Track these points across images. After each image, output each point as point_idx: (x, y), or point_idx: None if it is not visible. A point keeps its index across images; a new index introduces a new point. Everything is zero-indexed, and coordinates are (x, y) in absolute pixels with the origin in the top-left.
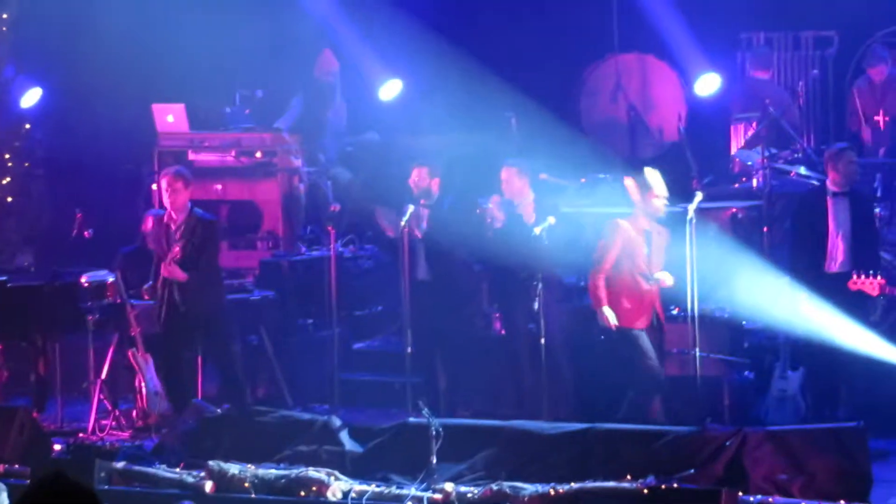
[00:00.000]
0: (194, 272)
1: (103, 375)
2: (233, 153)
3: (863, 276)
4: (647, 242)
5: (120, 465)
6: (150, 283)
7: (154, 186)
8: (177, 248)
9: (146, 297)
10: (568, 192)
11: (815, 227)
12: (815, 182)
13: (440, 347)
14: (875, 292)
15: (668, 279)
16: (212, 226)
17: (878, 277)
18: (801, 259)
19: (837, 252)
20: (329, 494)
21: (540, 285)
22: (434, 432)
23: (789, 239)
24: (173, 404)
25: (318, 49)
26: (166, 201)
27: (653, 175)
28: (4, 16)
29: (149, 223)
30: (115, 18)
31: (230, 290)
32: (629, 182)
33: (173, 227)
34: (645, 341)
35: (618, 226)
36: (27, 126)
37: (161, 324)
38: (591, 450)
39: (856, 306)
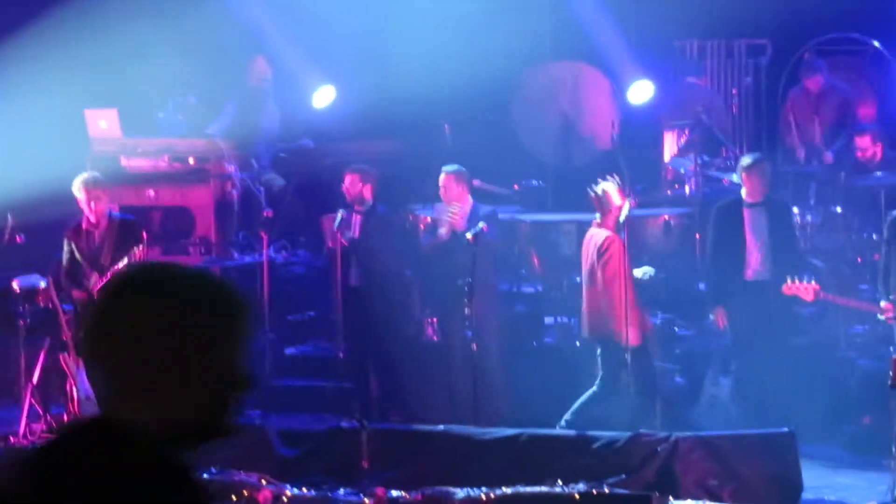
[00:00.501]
0: None
1: (35, 380)
2: (166, 159)
3: (797, 283)
4: None
5: None
6: (75, 289)
7: None
8: (139, 252)
9: (78, 297)
10: (501, 198)
11: (732, 236)
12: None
13: (372, 353)
14: (810, 298)
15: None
16: (137, 225)
17: (813, 283)
18: (720, 267)
19: (755, 261)
20: (260, 499)
21: (473, 291)
22: (366, 437)
23: (708, 248)
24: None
25: (251, 55)
26: (87, 209)
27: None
28: None
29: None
30: (48, 22)
31: None
32: (611, 187)
33: (96, 234)
34: None
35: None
36: None
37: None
38: (522, 455)
39: (780, 313)
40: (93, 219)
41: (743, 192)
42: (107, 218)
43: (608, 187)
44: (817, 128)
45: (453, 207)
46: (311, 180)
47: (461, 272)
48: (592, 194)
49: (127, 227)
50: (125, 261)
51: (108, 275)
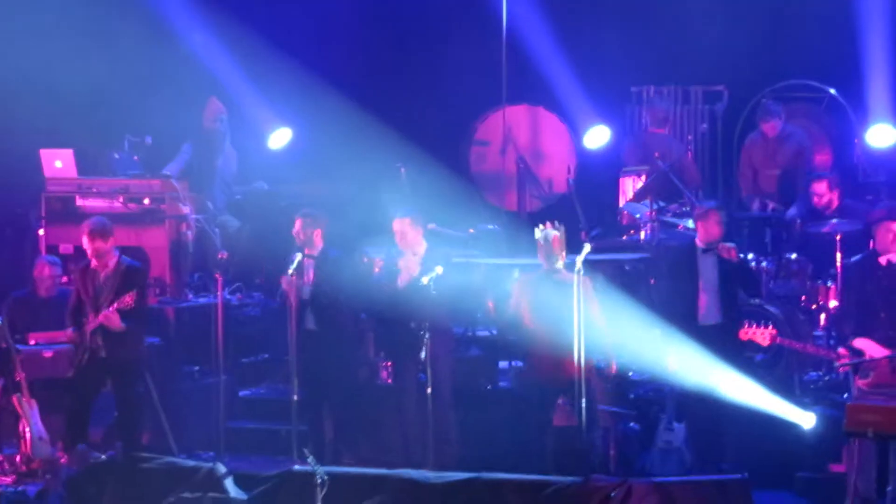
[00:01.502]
0: (126, 319)
1: None
2: (121, 199)
3: (753, 326)
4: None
5: None
6: (73, 328)
7: (41, 231)
8: (129, 299)
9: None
10: (456, 242)
11: (685, 280)
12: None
13: (326, 396)
14: (766, 342)
15: None
16: (142, 273)
17: (770, 328)
18: (674, 311)
19: (706, 305)
20: None
21: (427, 335)
22: (319, 480)
23: (662, 292)
24: (67, 449)
25: (207, 96)
26: (90, 252)
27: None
28: None
29: (42, 269)
30: (3, 62)
31: None
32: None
33: (102, 274)
34: None
35: None
36: None
37: (79, 368)
38: (476, 499)
39: (732, 357)
40: (93, 262)
41: (697, 237)
42: (115, 260)
43: (556, 237)
44: (773, 171)
45: (409, 255)
46: (266, 222)
47: (416, 316)
48: (541, 241)
49: (130, 272)
50: (114, 307)
51: (101, 316)
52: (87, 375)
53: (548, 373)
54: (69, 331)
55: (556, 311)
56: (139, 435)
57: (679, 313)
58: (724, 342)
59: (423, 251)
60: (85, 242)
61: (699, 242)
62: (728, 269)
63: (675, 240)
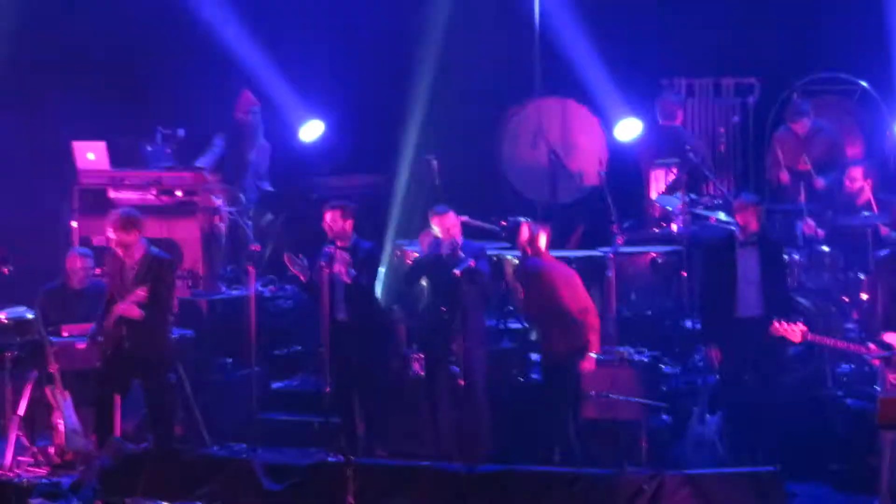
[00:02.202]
0: (149, 310)
1: (21, 412)
2: (153, 192)
3: (784, 324)
4: None
5: (36, 501)
6: (100, 319)
7: (73, 224)
8: (142, 291)
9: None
10: (488, 234)
11: (723, 273)
12: (733, 228)
13: (359, 388)
14: (797, 339)
15: None
16: (167, 265)
17: (800, 324)
18: (712, 305)
19: (746, 298)
20: None
21: (460, 327)
22: (351, 472)
23: (700, 285)
24: (100, 441)
25: (239, 88)
26: (118, 243)
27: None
28: None
29: (74, 261)
30: (38, 55)
31: None
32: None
33: (129, 263)
34: None
35: None
36: None
37: (105, 360)
38: (508, 492)
39: (767, 351)
40: (119, 252)
41: (736, 230)
42: (142, 252)
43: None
44: (803, 165)
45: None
46: (299, 214)
47: (448, 308)
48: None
49: (155, 264)
50: (129, 299)
51: (118, 308)
52: (113, 367)
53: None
54: (94, 326)
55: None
56: (170, 427)
57: (717, 306)
58: (763, 335)
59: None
60: (109, 234)
61: (739, 234)
62: (769, 262)
63: (708, 232)
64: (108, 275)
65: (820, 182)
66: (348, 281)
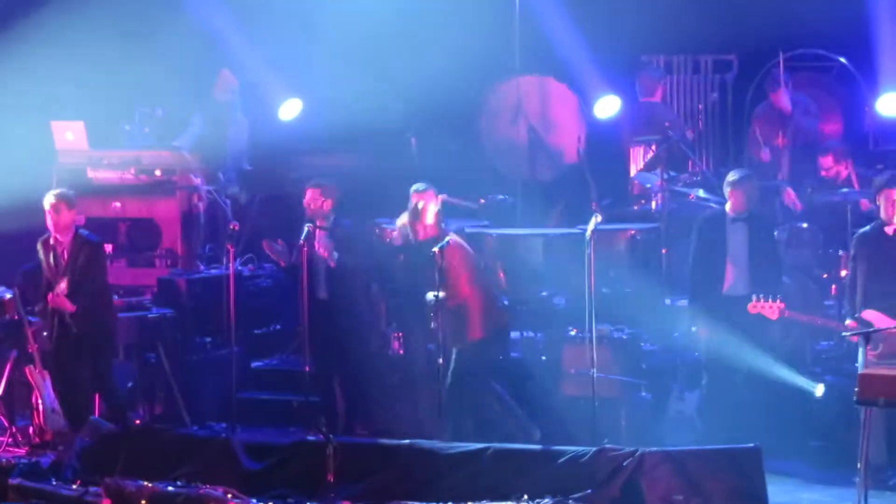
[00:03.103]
0: (81, 298)
1: (0, 392)
2: (132, 171)
3: (762, 300)
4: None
5: (15, 481)
6: (41, 304)
7: None
8: (63, 284)
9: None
10: (468, 212)
11: (714, 250)
12: (713, 205)
13: (339, 367)
14: (774, 316)
15: None
16: (96, 247)
17: (778, 301)
18: (700, 281)
19: (735, 275)
20: None
21: (439, 306)
22: (331, 451)
23: (689, 261)
24: (69, 421)
25: (218, 68)
26: (50, 223)
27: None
28: None
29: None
30: (13, 34)
31: (128, 307)
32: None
33: (59, 249)
34: None
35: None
36: None
37: (52, 342)
38: (488, 470)
39: (753, 328)
40: (53, 232)
41: (727, 206)
42: (72, 234)
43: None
44: (782, 141)
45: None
46: (277, 193)
47: (427, 287)
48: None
49: (84, 247)
50: (55, 291)
51: (49, 300)
52: (60, 349)
53: None
54: (37, 308)
55: None
56: (122, 410)
57: (703, 283)
58: (748, 313)
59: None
60: (47, 211)
61: (730, 211)
62: (758, 241)
63: (687, 209)
64: (42, 256)
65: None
66: (332, 265)
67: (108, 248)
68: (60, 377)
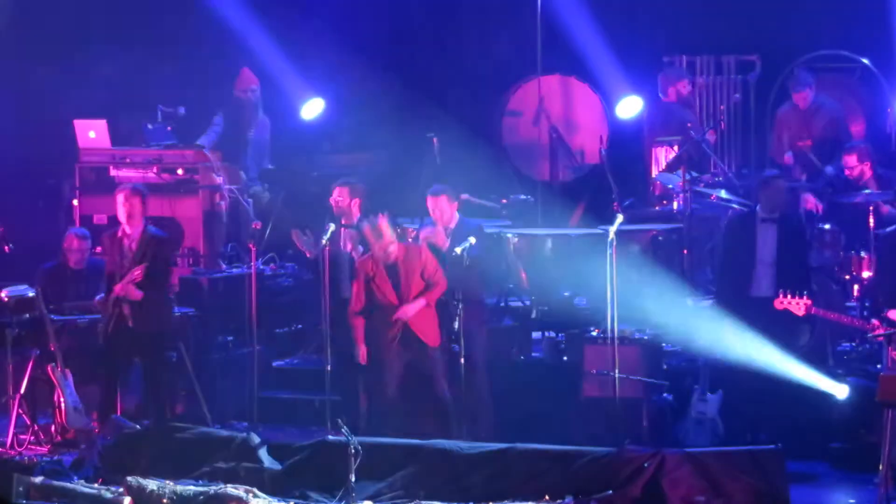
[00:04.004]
0: (148, 289)
1: (22, 390)
2: (154, 170)
3: (789, 297)
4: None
5: (38, 479)
6: (102, 295)
7: (75, 202)
8: (138, 271)
9: (97, 308)
10: (489, 212)
11: (742, 251)
12: (734, 206)
13: (360, 366)
14: (801, 312)
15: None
16: (166, 242)
17: (805, 298)
18: (727, 282)
19: (763, 277)
20: None
21: (461, 305)
22: (353, 451)
23: (717, 262)
24: (102, 419)
25: (240, 67)
26: (122, 216)
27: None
28: None
29: (71, 241)
30: (38, 33)
31: None
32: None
33: (127, 242)
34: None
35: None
36: None
37: (105, 338)
38: (509, 470)
39: (781, 330)
40: (127, 229)
41: (758, 208)
42: (141, 227)
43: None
44: (805, 142)
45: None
46: (299, 192)
47: (449, 286)
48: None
49: (154, 242)
50: (125, 279)
51: (117, 288)
52: (114, 345)
53: None
54: (97, 299)
55: None
56: (166, 406)
57: (731, 284)
58: (774, 315)
59: (454, 224)
60: (120, 202)
61: (760, 212)
62: (787, 242)
63: (709, 210)
64: (107, 254)
65: (829, 170)
66: (356, 257)
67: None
68: (109, 373)
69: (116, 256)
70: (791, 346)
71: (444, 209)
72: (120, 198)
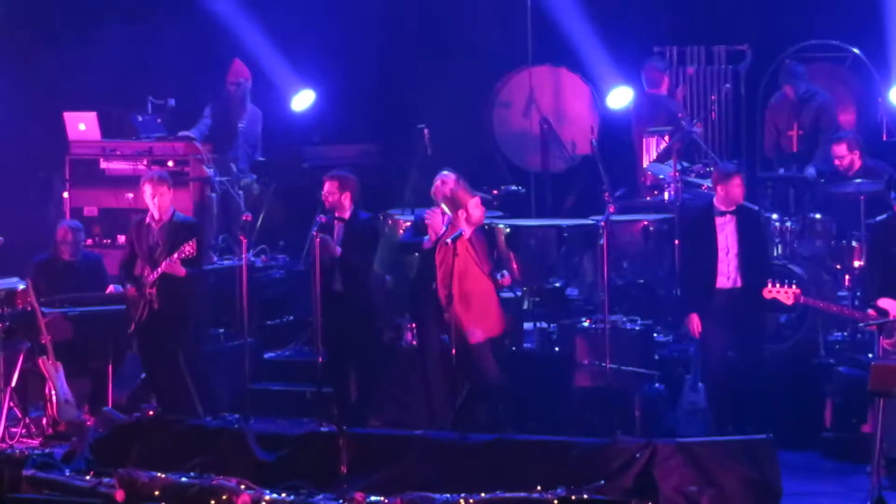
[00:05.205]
0: (174, 278)
1: (13, 383)
2: (144, 162)
3: (777, 286)
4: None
5: (29, 472)
6: (131, 284)
7: (65, 195)
8: (189, 247)
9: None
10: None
11: (703, 243)
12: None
13: (352, 358)
14: (790, 301)
15: None
16: (197, 227)
17: (794, 287)
18: (692, 274)
19: (727, 269)
20: (239, 503)
21: (452, 296)
22: (345, 442)
23: (680, 255)
24: (161, 401)
25: (230, 58)
26: (152, 205)
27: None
28: None
29: (65, 234)
30: (27, 25)
31: None
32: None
33: (156, 228)
34: None
35: None
36: None
37: (139, 323)
38: (501, 460)
39: (750, 321)
40: (156, 214)
41: (716, 199)
42: (169, 215)
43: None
44: (795, 132)
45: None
46: (290, 184)
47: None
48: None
49: (186, 226)
50: (174, 257)
51: (157, 271)
52: (148, 331)
53: None
54: (129, 287)
55: None
56: (193, 396)
57: (696, 276)
58: (743, 306)
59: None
60: (147, 191)
61: (718, 204)
62: (747, 234)
63: (700, 201)
64: (133, 238)
65: (809, 171)
66: (337, 253)
67: (120, 239)
68: (153, 358)
69: (143, 243)
70: (759, 336)
71: (457, 191)
72: (147, 186)
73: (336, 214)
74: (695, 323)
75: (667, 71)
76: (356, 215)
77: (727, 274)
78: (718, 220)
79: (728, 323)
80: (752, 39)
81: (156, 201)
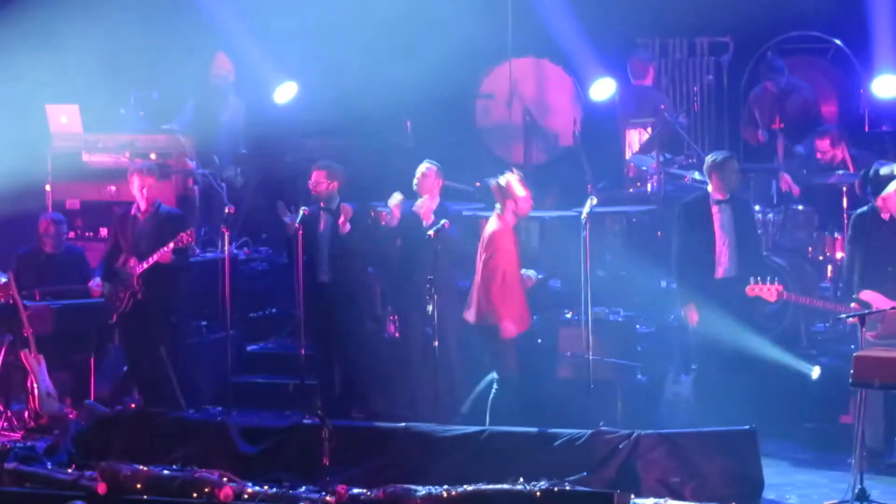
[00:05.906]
0: (160, 268)
1: None
2: (127, 154)
3: (760, 284)
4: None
5: (11, 465)
6: (103, 278)
7: (47, 187)
8: (186, 237)
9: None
10: (463, 195)
11: (701, 234)
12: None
13: (335, 350)
14: (773, 298)
15: None
16: (181, 220)
17: (776, 283)
18: (689, 265)
19: (723, 258)
20: (221, 496)
21: (434, 288)
22: (327, 434)
23: (675, 246)
24: (144, 394)
25: (213, 51)
26: (139, 196)
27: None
28: None
29: (48, 226)
30: (9, 18)
31: None
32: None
33: (142, 219)
34: None
35: None
36: None
37: (123, 314)
38: (484, 452)
39: (744, 311)
40: (142, 206)
41: (709, 188)
42: (154, 207)
43: (511, 179)
44: (777, 124)
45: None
46: (272, 176)
47: (422, 269)
48: (494, 184)
49: (172, 218)
50: (171, 246)
51: (148, 261)
52: (130, 321)
53: None
54: (97, 283)
55: None
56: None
57: (693, 267)
58: (737, 295)
59: (435, 203)
60: (135, 182)
61: (714, 193)
62: (742, 221)
63: (682, 192)
64: (117, 230)
65: (799, 149)
66: (346, 230)
67: (103, 231)
68: (126, 355)
69: (129, 235)
70: (761, 326)
71: (428, 178)
72: (135, 178)
73: (322, 205)
74: (693, 313)
75: (652, 62)
76: (342, 206)
77: (724, 263)
78: (715, 210)
79: (724, 312)
80: (735, 31)
81: (144, 193)
